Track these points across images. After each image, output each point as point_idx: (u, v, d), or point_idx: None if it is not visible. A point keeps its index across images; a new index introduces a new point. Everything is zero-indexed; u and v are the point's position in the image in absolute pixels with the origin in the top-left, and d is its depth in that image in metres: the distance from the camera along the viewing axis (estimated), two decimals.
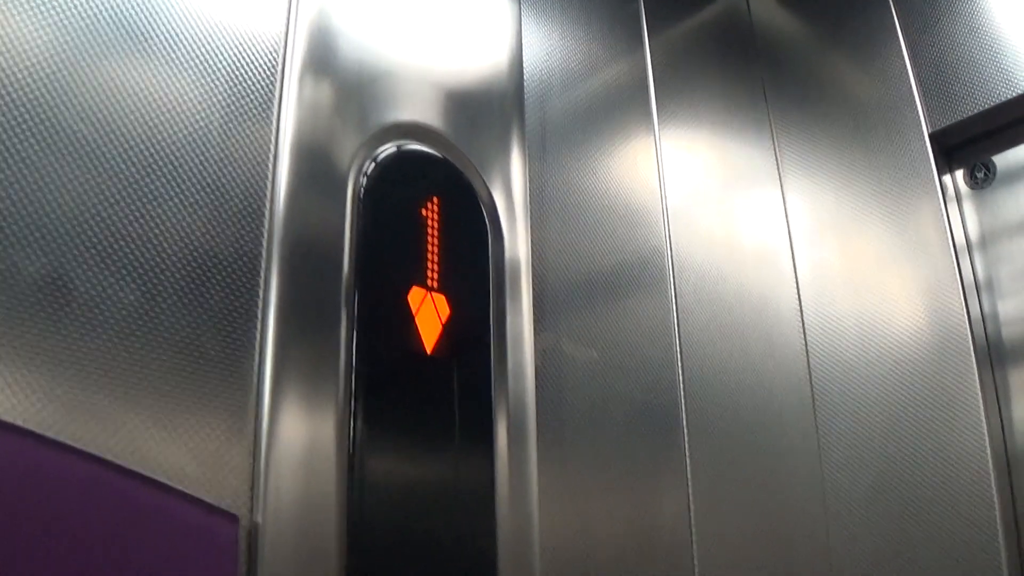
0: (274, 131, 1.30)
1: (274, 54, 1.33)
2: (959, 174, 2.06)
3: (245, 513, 1.11)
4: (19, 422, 0.96)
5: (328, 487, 1.17)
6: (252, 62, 1.30)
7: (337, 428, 1.20)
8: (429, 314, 1.33)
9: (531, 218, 1.57)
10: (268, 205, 1.25)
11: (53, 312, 1.02)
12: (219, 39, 1.27)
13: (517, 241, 1.51)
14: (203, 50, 1.25)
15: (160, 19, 1.21)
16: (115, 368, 1.05)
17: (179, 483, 1.06)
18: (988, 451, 1.79)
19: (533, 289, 1.52)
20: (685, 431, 1.71)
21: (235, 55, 1.28)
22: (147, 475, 1.03)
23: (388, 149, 1.38)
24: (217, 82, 1.25)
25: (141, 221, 1.12)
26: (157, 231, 1.13)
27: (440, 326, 1.34)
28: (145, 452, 1.05)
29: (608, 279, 1.72)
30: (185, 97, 1.21)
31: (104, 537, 0.97)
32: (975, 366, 1.84)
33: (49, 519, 0.93)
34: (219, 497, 1.09)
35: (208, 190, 1.20)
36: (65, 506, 0.95)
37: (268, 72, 1.32)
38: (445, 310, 1.36)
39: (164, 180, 1.16)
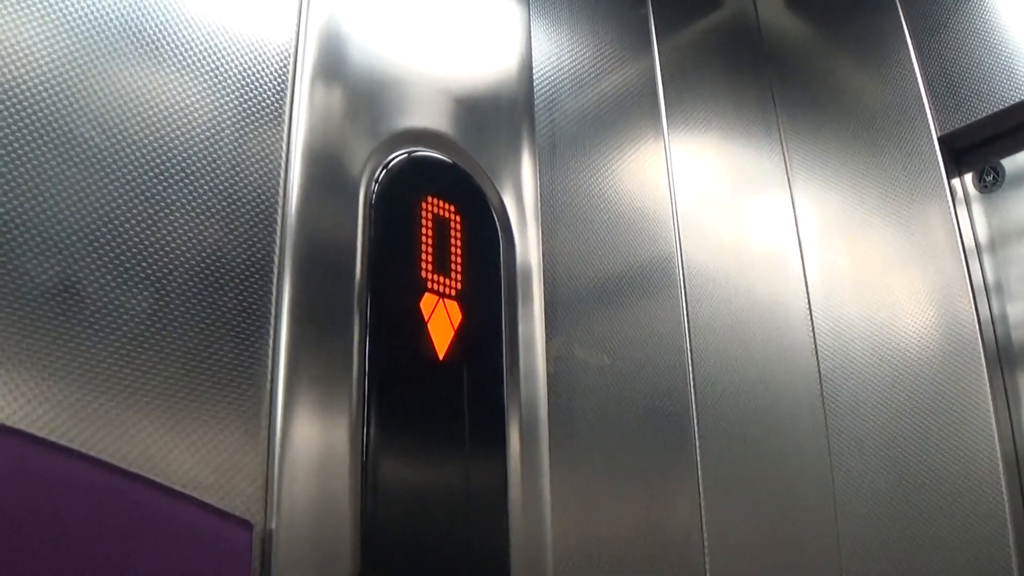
0: (285, 137, 1.30)
1: (285, 61, 1.33)
2: (968, 177, 2.06)
3: (259, 520, 1.11)
4: (31, 429, 0.96)
5: (342, 493, 1.17)
6: (263, 69, 1.30)
7: (350, 434, 1.20)
8: (441, 320, 1.33)
9: (542, 223, 1.57)
10: (280, 211, 1.26)
11: (65, 319, 1.02)
12: (229, 46, 1.27)
13: (528, 246, 1.51)
14: (214, 57, 1.25)
15: (170, 26, 1.21)
16: (127, 375, 1.05)
17: (192, 490, 1.06)
18: (998, 452, 1.78)
19: (544, 294, 1.52)
20: (696, 434, 1.71)
21: (246, 62, 1.29)
22: (160, 482, 1.03)
23: (399, 155, 1.39)
24: (228, 89, 1.25)
25: (153, 228, 1.12)
26: (169, 238, 1.13)
27: (452, 332, 1.34)
28: (158, 459, 1.05)
29: (619, 284, 1.72)
30: (196, 104, 1.21)
31: (116, 545, 0.97)
32: (985, 368, 1.84)
33: (61, 526, 0.94)
34: (232, 504, 1.09)
35: (220, 196, 1.20)
36: (77, 513, 0.95)
37: (279, 78, 1.32)
38: (457, 316, 1.36)
39: (176, 187, 1.16)
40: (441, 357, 1.32)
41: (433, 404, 1.30)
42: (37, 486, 0.93)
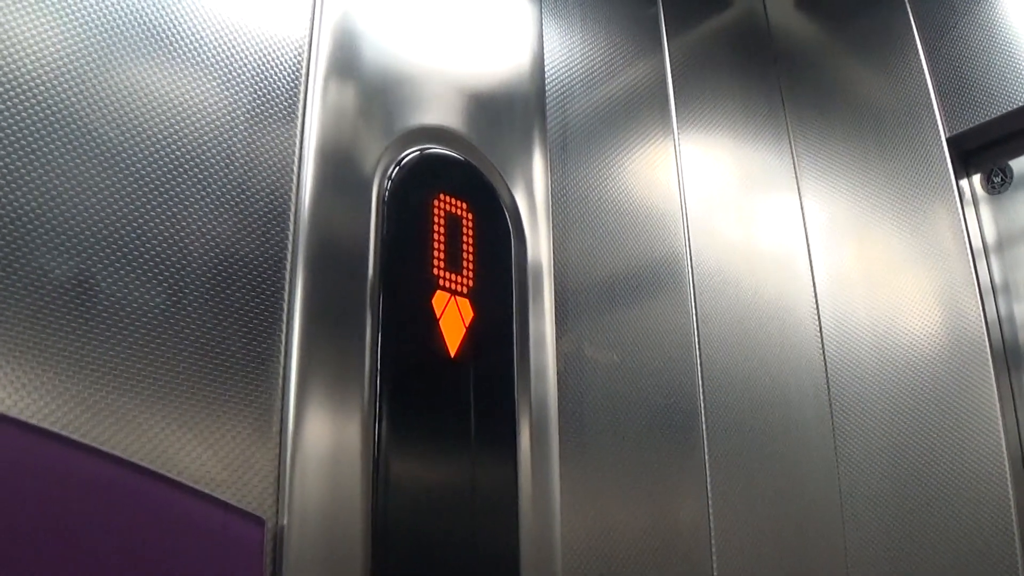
0: (299, 134, 1.30)
1: (298, 58, 1.34)
2: (976, 178, 2.06)
3: (271, 516, 1.11)
4: (44, 423, 0.96)
5: (353, 490, 1.17)
6: (276, 66, 1.31)
7: (362, 431, 1.20)
8: (453, 317, 1.34)
9: (553, 221, 1.57)
10: (293, 208, 1.26)
11: (79, 315, 1.02)
12: (244, 43, 1.27)
13: (539, 244, 1.52)
14: (228, 54, 1.25)
15: (184, 23, 1.22)
16: (140, 370, 1.06)
17: (204, 485, 1.06)
18: (1005, 454, 1.78)
19: (555, 292, 1.52)
20: (704, 432, 1.71)
21: (259, 59, 1.29)
22: (173, 478, 1.03)
23: (412, 152, 1.39)
24: (242, 86, 1.26)
25: (166, 223, 1.12)
26: (182, 233, 1.14)
27: (464, 329, 1.34)
28: (170, 454, 1.06)
29: (629, 282, 1.72)
30: (210, 100, 1.22)
31: (129, 539, 0.97)
32: (992, 369, 1.84)
33: (75, 521, 0.94)
34: (244, 500, 1.10)
35: (233, 193, 1.20)
36: (90, 508, 0.95)
37: (292, 76, 1.32)
38: (469, 313, 1.36)
39: (189, 183, 1.16)
40: (453, 354, 1.32)
41: (445, 401, 1.30)
42: (54, 481, 0.94)
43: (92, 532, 0.94)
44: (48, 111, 1.05)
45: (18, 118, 1.02)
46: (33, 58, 1.06)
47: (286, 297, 1.21)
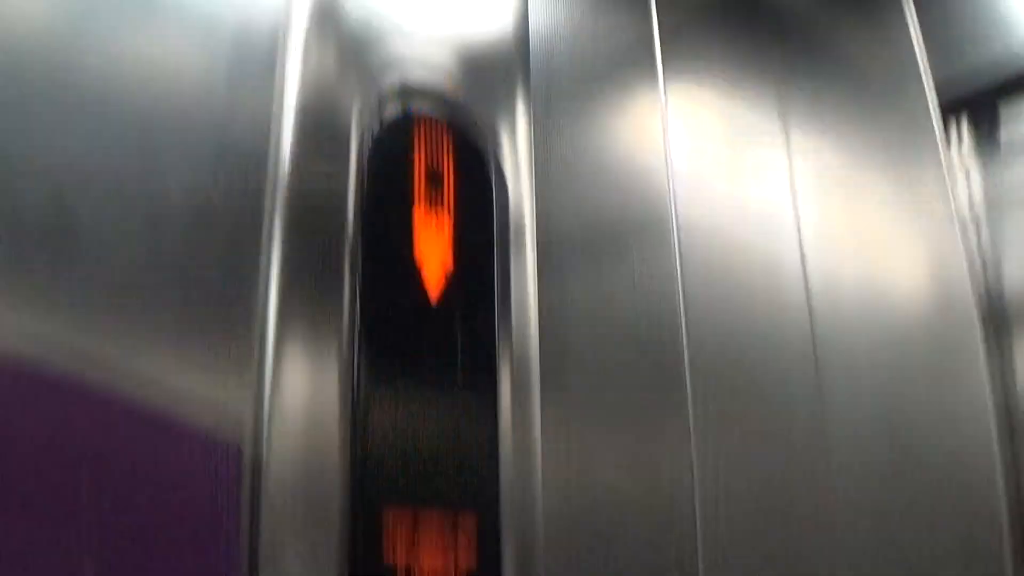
0: (278, 92, 1.31)
1: (278, 11, 1.34)
2: (965, 137, 2.06)
3: (250, 449, 1.13)
4: (24, 359, 0.99)
5: (332, 438, 1.20)
6: (256, 20, 1.31)
7: (341, 378, 1.23)
8: (434, 267, 1.35)
9: (536, 175, 1.58)
10: (272, 163, 1.27)
11: (59, 255, 1.04)
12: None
13: (522, 198, 1.52)
14: (206, 7, 1.26)
15: None
16: (120, 317, 1.08)
17: (185, 418, 1.09)
18: (992, 416, 1.80)
19: (538, 246, 1.53)
20: (688, 387, 1.72)
21: (239, 13, 1.30)
22: (152, 407, 1.06)
23: (394, 108, 1.40)
24: (220, 40, 1.27)
25: (145, 175, 1.14)
26: (161, 186, 1.15)
27: (445, 278, 1.36)
28: (149, 389, 1.08)
29: (612, 236, 1.72)
30: (188, 54, 1.23)
31: (109, 469, 1.00)
32: (979, 327, 1.85)
33: (57, 454, 0.96)
34: (224, 436, 1.12)
35: (212, 147, 1.21)
36: (73, 438, 0.98)
37: (272, 29, 1.33)
38: (450, 264, 1.37)
39: (168, 135, 1.17)
40: (433, 302, 1.33)
41: (425, 349, 1.32)
42: (25, 413, 0.96)
43: (69, 462, 0.97)
44: (26, 65, 1.07)
45: None
46: (11, 9, 1.07)
47: (264, 249, 1.23)
